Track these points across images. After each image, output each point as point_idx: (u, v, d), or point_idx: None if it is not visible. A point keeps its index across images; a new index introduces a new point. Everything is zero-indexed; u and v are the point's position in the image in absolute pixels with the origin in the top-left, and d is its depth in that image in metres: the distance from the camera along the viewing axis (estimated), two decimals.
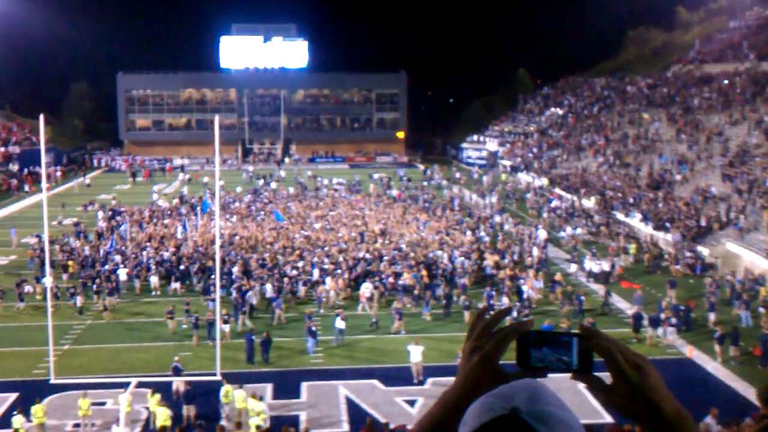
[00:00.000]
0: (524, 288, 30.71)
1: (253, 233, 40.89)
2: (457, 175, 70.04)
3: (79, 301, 29.88)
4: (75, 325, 28.65)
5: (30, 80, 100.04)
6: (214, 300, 24.71)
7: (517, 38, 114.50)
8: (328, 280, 31.66)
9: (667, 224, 40.79)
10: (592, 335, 1.65)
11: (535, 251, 37.62)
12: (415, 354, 23.67)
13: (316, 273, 32.52)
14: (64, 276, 33.84)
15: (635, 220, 44.14)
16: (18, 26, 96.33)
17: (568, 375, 1.66)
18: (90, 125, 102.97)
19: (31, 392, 21.46)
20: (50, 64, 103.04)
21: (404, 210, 49.02)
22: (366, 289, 30.31)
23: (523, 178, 66.07)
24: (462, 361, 1.72)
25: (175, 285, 32.76)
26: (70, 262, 35.44)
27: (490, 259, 34.96)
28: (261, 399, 20.88)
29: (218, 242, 24.10)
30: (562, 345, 1.67)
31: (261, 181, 64.51)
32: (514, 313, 26.80)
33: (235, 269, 32.90)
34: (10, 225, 48.34)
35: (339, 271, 32.71)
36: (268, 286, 30.77)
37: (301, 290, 31.74)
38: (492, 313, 1.78)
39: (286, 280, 31.76)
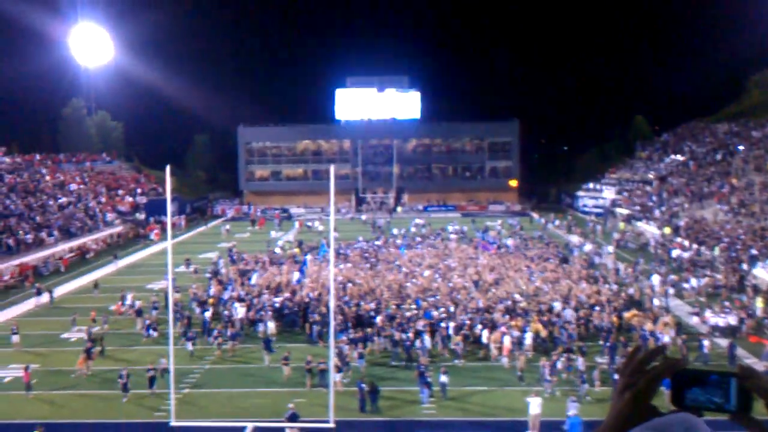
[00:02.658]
0: (662, 337, 29.75)
1: (366, 280, 41.17)
2: (572, 223, 68.63)
3: (190, 346, 30.84)
4: (194, 368, 29.46)
5: (156, 133, 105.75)
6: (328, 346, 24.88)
7: (633, 84, 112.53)
8: (450, 331, 31.08)
9: None
10: (752, 375, 1.57)
11: (656, 301, 36.21)
12: (534, 406, 22.99)
13: (420, 323, 32.01)
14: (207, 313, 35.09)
15: (761, 271, 41.79)
16: (144, 82, 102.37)
17: (725, 416, 1.57)
18: (212, 176, 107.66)
19: None
20: (175, 118, 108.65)
21: (517, 259, 48.24)
22: (507, 340, 29.59)
23: (643, 226, 63.98)
24: (614, 398, 1.68)
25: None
26: (210, 300, 37.21)
27: (630, 316, 33.52)
28: None
29: (332, 290, 24.40)
30: (718, 385, 1.60)
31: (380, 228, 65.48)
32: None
33: (379, 319, 33.09)
34: (138, 271, 50.76)
35: (458, 321, 32.25)
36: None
37: (427, 341, 30.56)
38: (645, 351, 1.71)
39: (406, 333, 31.33)
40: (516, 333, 30.35)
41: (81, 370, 28.44)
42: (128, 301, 39.20)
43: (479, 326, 31.64)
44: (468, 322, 32.25)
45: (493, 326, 31.43)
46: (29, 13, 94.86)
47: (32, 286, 45.35)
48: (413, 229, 65.86)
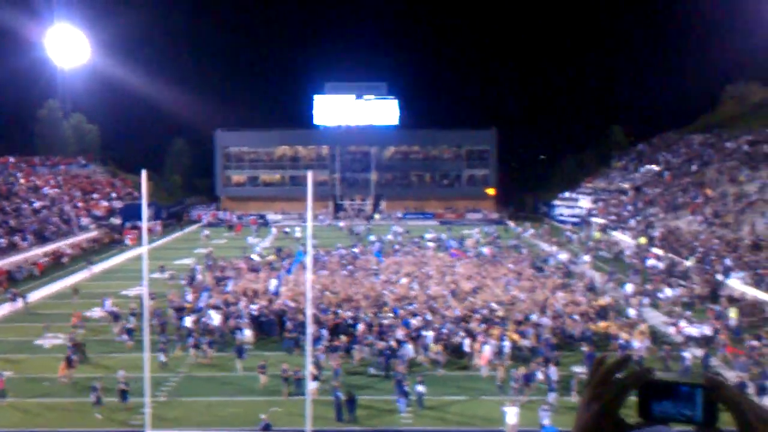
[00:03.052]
0: (635, 344, 29.98)
1: (344, 287, 41.12)
2: (548, 232, 69.08)
3: (163, 357, 30.52)
4: (170, 377, 29.24)
5: (133, 136, 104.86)
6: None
7: (609, 94, 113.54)
8: (431, 343, 30.86)
9: None
10: (719, 386, 1.56)
11: (631, 310, 36.59)
12: (511, 416, 23.08)
13: (399, 332, 31.97)
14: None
15: (735, 282, 42.30)
16: (121, 85, 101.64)
17: (691, 428, 1.57)
18: (188, 181, 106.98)
19: None
20: (152, 122, 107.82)
21: (494, 268, 48.44)
22: (486, 350, 29.55)
23: (618, 236, 64.52)
24: (580, 409, 1.66)
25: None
26: (187, 307, 37.11)
27: (605, 326, 33.74)
28: None
29: (309, 297, 24.32)
30: (685, 396, 1.59)
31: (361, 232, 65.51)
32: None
33: (360, 327, 32.98)
34: (113, 277, 50.31)
35: (438, 329, 32.28)
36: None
37: (410, 350, 30.45)
38: (611, 361, 1.70)
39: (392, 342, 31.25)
40: (494, 342, 30.43)
41: (62, 378, 28.04)
42: (107, 307, 38.82)
43: (461, 335, 31.68)
44: (446, 331, 32.29)
45: (472, 335, 31.51)
46: (4, 13, 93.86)
47: (6, 291, 44.82)
48: (390, 237, 65.89)
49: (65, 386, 27.89)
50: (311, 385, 24.27)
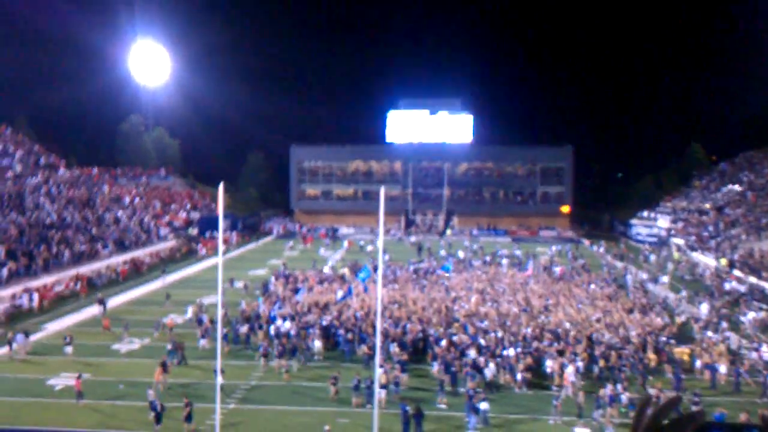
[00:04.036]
0: (721, 368, 29.11)
1: (412, 301, 40.98)
2: (625, 252, 67.52)
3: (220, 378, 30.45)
4: (242, 384, 29.60)
5: (211, 151, 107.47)
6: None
7: (690, 111, 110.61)
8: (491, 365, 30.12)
9: None
10: None
11: (709, 333, 35.37)
12: None
13: (473, 352, 31.52)
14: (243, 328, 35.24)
15: None
16: (201, 100, 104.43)
17: None
18: (264, 194, 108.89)
19: None
20: (230, 137, 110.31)
21: (567, 287, 47.55)
22: (569, 371, 28.80)
23: (698, 257, 62.58)
24: None
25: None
26: (262, 317, 37.86)
27: (678, 352, 32.66)
28: None
29: (379, 310, 24.34)
30: None
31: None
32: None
33: (443, 343, 32.56)
34: (187, 285, 51.35)
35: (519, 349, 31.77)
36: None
37: (491, 370, 29.72)
38: (659, 404, 1.53)
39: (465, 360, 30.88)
40: (579, 363, 29.70)
41: (157, 384, 28.60)
42: (189, 314, 39.60)
43: (545, 355, 31.05)
44: (530, 350, 31.69)
45: (560, 353, 30.81)
46: (90, 31, 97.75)
47: (86, 297, 46.35)
48: (461, 253, 65.44)
49: (156, 391, 28.30)
50: (380, 393, 24.25)
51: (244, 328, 36.11)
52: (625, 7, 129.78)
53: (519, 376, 29.28)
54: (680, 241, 70.03)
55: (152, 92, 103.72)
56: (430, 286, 47.03)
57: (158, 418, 23.84)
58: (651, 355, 31.66)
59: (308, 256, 66.06)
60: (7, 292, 43.95)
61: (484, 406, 25.41)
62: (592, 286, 47.81)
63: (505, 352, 31.21)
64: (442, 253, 65.62)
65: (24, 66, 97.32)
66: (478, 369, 29.56)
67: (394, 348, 32.40)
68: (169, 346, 33.09)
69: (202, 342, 34.48)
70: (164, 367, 29.23)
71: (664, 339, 33.86)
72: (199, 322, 37.14)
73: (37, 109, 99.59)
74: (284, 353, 32.08)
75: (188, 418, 23.95)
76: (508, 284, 47.63)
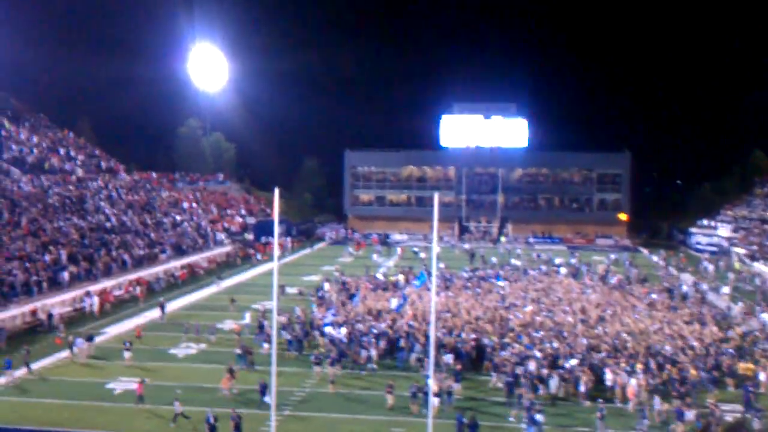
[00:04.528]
0: None
1: (466, 310, 40.65)
2: (684, 261, 66.00)
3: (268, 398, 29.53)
4: (296, 391, 29.72)
5: (267, 156, 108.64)
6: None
7: (752, 117, 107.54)
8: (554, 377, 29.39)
9: None
10: None
11: None
12: None
13: (532, 363, 30.92)
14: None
15: None
16: (258, 106, 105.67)
17: None
18: (318, 199, 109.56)
19: None
20: (286, 142, 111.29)
21: (624, 296, 46.62)
22: (633, 382, 28.20)
23: (760, 267, 60.81)
24: None
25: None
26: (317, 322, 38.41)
27: (743, 368, 31.65)
28: None
29: (433, 318, 24.17)
30: None
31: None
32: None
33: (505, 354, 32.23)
34: (242, 290, 51.78)
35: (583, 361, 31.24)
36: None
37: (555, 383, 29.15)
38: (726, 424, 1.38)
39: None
40: (640, 375, 29.00)
41: (224, 391, 28.86)
42: (247, 320, 40.02)
43: (606, 367, 30.42)
44: (595, 362, 31.13)
45: (631, 371, 30.11)
46: (150, 36, 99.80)
47: (145, 301, 47.23)
48: (514, 261, 64.78)
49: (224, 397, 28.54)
50: (434, 402, 24.10)
51: (297, 334, 36.32)
52: (685, 11, 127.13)
53: (582, 388, 28.73)
54: (741, 251, 68.18)
55: (210, 97, 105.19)
56: (484, 294, 46.62)
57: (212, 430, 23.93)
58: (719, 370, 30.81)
59: (361, 262, 66.20)
60: (69, 295, 45.03)
61: (540, 417, 25.04)
62: (653, 295, 46.82)
63: (567, 364, 30.66)
64: (494, 260, 65.02)
65: (86, 71, 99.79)
66: (540, 380, 29.16)
67: (448, 357, 32.20)
68: (238, 351, 33.57)
69: (266, 346, 34.57)
70: (231, 373, 29.44)
71: (727, 352, 32.93)
72: (260, 327, 37.45)
73: (99, 114, 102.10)
74: (336, 361, 32.12)
75: (236, 429, 23.98)
76: (564, 293, 46.92)
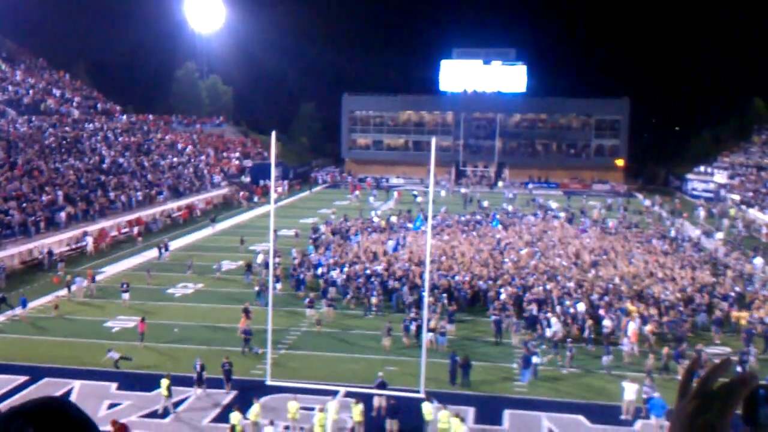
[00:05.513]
0: None
1: (460, 253, 41.01)
2: (679, 206, 66.28)
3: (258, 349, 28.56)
4: (291, 330, 30.19)
5: (265, 100, 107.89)
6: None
7: (751, 65, 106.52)
8: (553, 320, 29.27)
9: None
10: None
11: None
12: (629, 392, 22.54)
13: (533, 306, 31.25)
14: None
15: None
16: (254, 49, 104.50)
17: None
18: (316, 143, 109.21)
19: (248, 391, 22.88)
20: (283, 86, 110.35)
21: (619, 241, 46.97)
22: (632, 326, 28.39)
23: (755, 213, 61.14)
24: (680, 421, 1.48)
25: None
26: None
27: (735, 316, 32.01)
28: (463, 421, 20.78)
29: (428, 261, 24.47)
30: None
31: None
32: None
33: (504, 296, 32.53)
34: (237, 233, 52.02)
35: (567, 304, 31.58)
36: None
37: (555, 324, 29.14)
38: (708, 367, 1.51)
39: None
40: (638, 319, 29.33)
41: (240, 333, 28.61)
42: (259, 260, 40.27)
43: (602, 310, 30.77)
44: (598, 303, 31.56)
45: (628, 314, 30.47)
46: None
47: (142, 241, 47.58)
48: (505, 205, 65.11)
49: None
50: (427, 335, 24.66)
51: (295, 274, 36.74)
52: None
53: (586, 332, 29.12)
54: (737, 197, 68.45)
55: (207, 39, 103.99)
56: (479, 238, 46.93)
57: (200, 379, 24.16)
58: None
59: (358, 205, 66.38)
60: (66, 235, 45.30)
61: (535, 359, 25.54)
62: (653, 240, 47.19)
63: (572, 309, 30.96)
64: (485, 204, 65.04)
65: (81, 14, 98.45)
66: (535, 322, 29.61)
67: (443, 298, 32.65)
68: (256, 288, 34.13)
69: (279, 286, 34.70)
70: (247, 313, 29.40)
71: (720, 296, 33.43)
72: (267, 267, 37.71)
73: (95, 56, 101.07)
74: (331, 303, 32.55)
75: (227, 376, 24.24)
76: (559, 238, 47.23)
